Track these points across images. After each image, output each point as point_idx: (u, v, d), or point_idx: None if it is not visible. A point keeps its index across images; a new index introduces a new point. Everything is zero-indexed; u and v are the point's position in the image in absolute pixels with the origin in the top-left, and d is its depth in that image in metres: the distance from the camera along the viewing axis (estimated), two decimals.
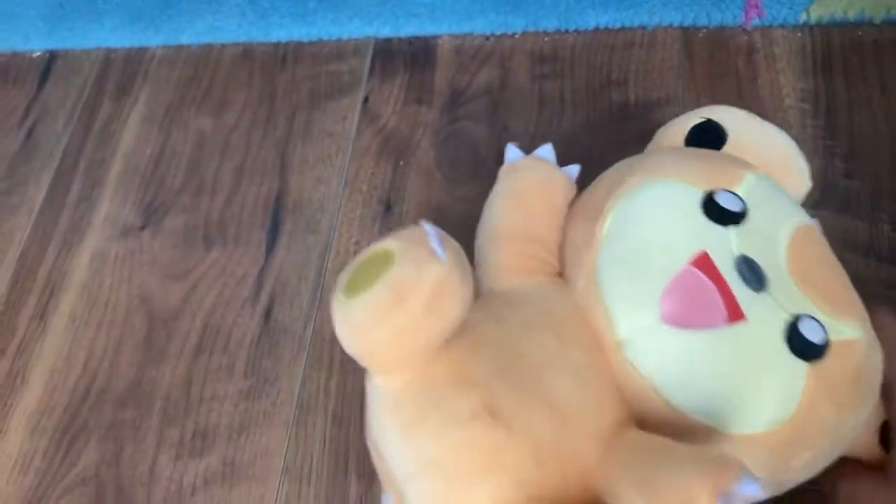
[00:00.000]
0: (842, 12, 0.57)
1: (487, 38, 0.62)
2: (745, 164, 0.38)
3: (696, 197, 0.35)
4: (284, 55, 0.65)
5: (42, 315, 0.56)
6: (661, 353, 0.33)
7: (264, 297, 0.54)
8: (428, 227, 0.35)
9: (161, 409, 0.51)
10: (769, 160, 0.40)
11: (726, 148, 0.41)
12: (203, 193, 0.59)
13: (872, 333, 0.35)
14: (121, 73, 0.68)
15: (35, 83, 0.68)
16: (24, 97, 0.68)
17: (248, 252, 0.56)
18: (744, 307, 0.32)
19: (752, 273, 0.33)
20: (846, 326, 0.34)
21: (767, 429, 0.32)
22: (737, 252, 0.33)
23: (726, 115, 0.41)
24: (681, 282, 0.33)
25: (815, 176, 0.38)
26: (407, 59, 0.63)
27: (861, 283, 0.36)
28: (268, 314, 0.53)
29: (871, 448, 0.36)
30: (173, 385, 0.52)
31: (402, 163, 0.58)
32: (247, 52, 0.66)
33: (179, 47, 0.68)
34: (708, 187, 0.35)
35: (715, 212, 0.34)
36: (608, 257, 0.36)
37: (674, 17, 0.59)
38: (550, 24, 0.61)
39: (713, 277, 0.33)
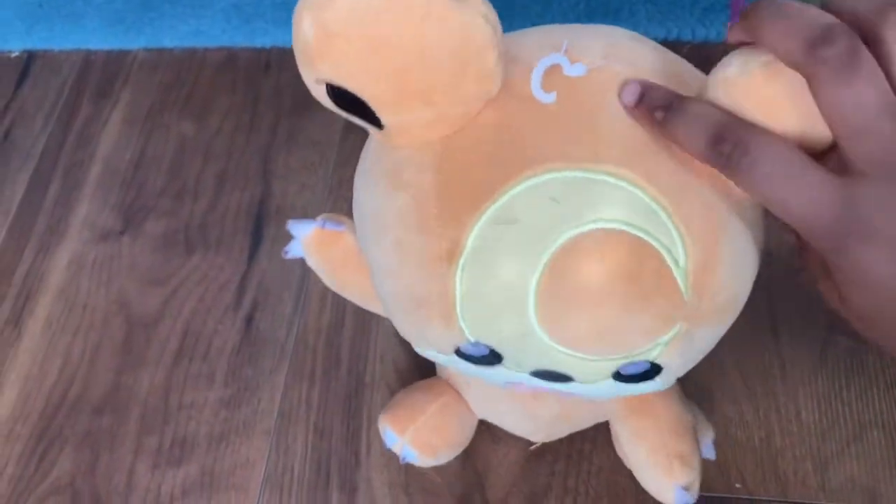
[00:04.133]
0: None
1: None
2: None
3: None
4: (268, 61, 0.65)
5: (17, 319, 0.55)
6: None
7: (246, 304, 0.53)
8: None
9: (139, 416, 0.50)
10: None
11: None
12: (184, 198, 0.59)
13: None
14: (101, 74, 0.67)
15: (12, 83, 0.67)
16: (1, 98, 0.66)
17: (230, 258, 0.56)
18: (573, 391, 0.32)
19: (551, 376, 0.31)
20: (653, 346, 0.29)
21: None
22: (526, 370, 0.31)
23: None
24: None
25: None
26: None
27: None
28: (249, 321, 0.53)
29: None
30: (151, 392, 0.51)
31: None
32: (230, 57, 0.66)
33: (161, 50, 0.67)
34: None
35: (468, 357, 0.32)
36: None
37: (658, 32, 0.60)
38: None
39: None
